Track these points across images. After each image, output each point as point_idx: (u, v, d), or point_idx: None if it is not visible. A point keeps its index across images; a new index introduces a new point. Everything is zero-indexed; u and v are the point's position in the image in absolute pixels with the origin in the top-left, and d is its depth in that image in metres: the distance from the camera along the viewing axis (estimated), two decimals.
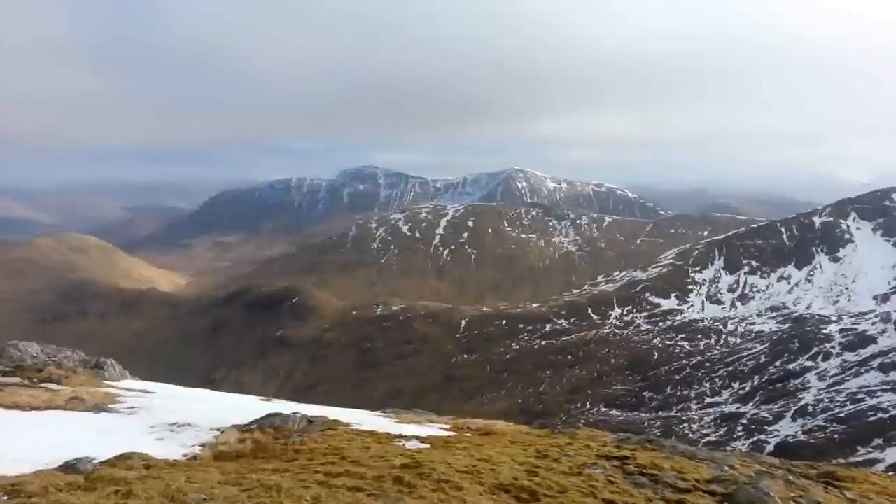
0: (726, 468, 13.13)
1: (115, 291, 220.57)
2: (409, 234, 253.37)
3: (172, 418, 14.97)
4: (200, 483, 8.19)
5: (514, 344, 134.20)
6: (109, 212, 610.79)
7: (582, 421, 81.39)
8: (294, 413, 14.91)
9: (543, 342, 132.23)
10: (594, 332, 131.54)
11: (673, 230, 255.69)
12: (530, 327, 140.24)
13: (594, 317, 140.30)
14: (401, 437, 14.12)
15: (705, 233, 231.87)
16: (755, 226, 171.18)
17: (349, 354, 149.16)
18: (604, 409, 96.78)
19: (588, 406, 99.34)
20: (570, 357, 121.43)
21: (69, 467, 9.54)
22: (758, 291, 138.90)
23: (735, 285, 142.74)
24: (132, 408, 16.97)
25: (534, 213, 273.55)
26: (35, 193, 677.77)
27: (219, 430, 13.49)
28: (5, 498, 7.67)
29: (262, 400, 22.75)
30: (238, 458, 11.34)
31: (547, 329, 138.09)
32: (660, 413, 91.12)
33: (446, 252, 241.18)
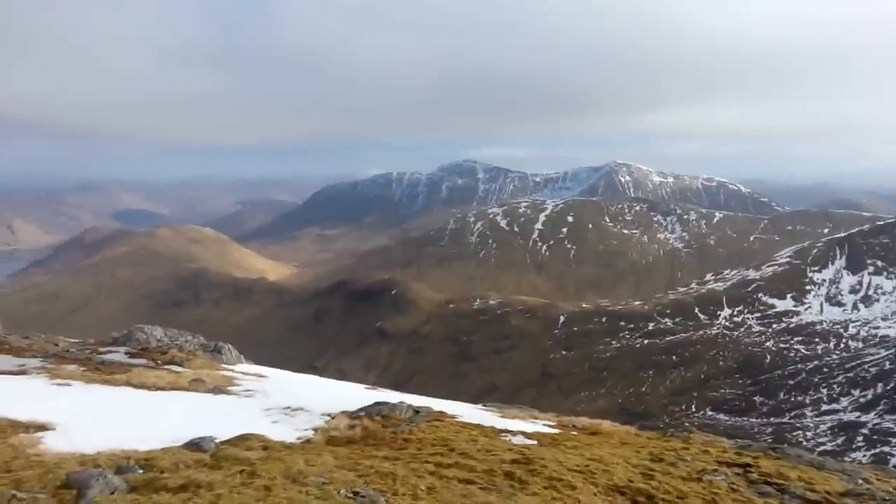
0: (860, 481, 12.11)
1: (228, 280, 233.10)
2: (507, 228, 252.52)
3: (285, 402, 15.48)
4: (318, 466, 8.37)
5: (614, 342, 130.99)
6: (223, 205, 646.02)
7: (686, 424, 78.41)
8: (400, 402, 15.03)
9: (646, 341, 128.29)
10: (701, 332, 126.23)
11: (790, 227, 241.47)
12: (632, 325, 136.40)
13: (701, 317, 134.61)
14: (507, 431, 13.95)
15: (825, 230, 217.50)
16: (881, 223, 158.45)
17: (446, 347, 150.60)
18: (710, 413, 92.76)
19: (693, 409, 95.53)
20: (674, 357, 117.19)
21: (193, 445, 9.99)
22: (883, 293, 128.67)
23: (858, 286, 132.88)
24: (248, 391, 17.71)
25: (637, 208, 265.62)
26: (157, 187, 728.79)
27: (329, 415, 13.81)
28: (140, 472, 8.12)
29: (366, 388, 23.25)
30: (349, 443, 11.54)
31: (650, 328, 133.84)
32: (771, 419, 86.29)
33: (545, 247, 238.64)
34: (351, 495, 7.37)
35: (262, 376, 21.85)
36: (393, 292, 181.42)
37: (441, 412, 15.46)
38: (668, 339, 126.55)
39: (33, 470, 8.27)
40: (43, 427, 12.00)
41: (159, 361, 23.27)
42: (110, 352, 24.89)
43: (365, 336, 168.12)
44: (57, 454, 9.91)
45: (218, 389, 17.91)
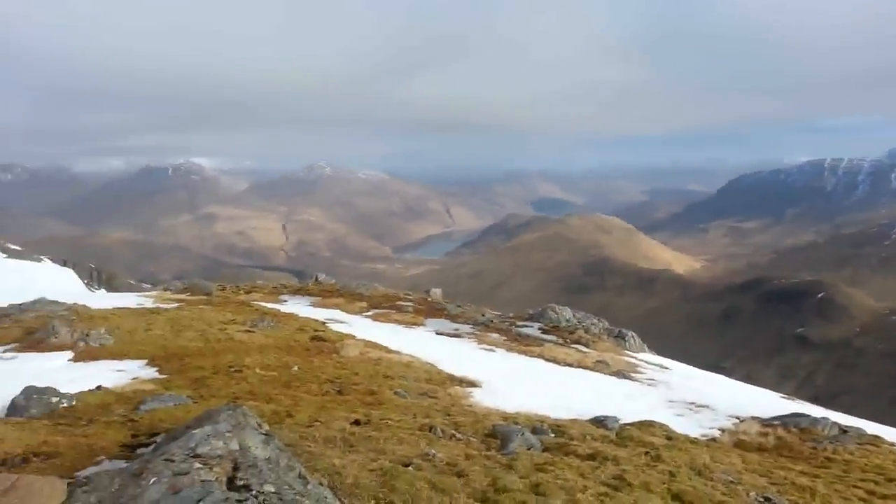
0: None
1: (633, 270, 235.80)
2: None
3: (689, 397, 15.08)
4: (725, 465, 7.99)
5: None
6: (632, 195, 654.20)
7: None
8: (823, 418, 13.30)
9: None
10: None
11: None
12: None
13: None
14: None
15: None
16: None
17: (887, 365, 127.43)
18: None
19: None
20: None
21: (598, 422, 10.46)
22: None
23: None
24: (651, 380, 17.75)
25: None
26: (569, 177, 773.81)
27: (737, 418, 13.02)
28: (552, 435, 8.84)
29: (781, 397, 21.14)
30: (760, 450, 10.70)
31: None
32: None
33: None
34: (761, 500, 6.83)
35: (664, 368, 21.65)
36: (819, 296, 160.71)
37: (876, 436, 13.19)
38: None
39: (466, 417, 9.70)
40: (472, 384, 13.99)
41: (568, 340, 24.97)
42: (526, 326, 27.67)
43: (781, 342, 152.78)
44: (484, 408, 11.44)
45: (621, 374, 18.37)
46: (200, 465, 3.94)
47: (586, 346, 23.87)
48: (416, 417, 9.11)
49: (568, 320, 30.00)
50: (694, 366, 26.34)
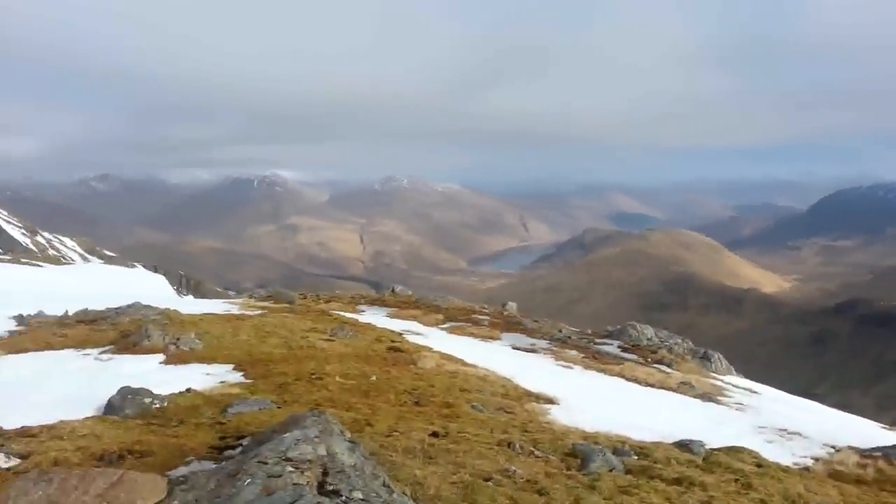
0: None
1: (717, 288, 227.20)
2: None
3: (781, 423, 14.38)
4: (821, 496, 7.55)
5: None
6: (717, 209, 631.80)
7: None
8: None
9: None
10: None
11: None
12: None
13: None
14: None
15: None
16: None
17: None
18: None
19: None
20: None
21: (683, 446, 10.07)
22: None
23: None
24: (739, 404, 17.02)
25: None
26: (649, 191, 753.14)
27: (833, 447, 12.31)
28: (635, 457, 8.58)
29: (883, 427, 19.83)
30: (858, 483, 10.04)
31: None
32: None
33: None
34: None
35: (753, 392, 20.73)
36: None
37: None
38: None
39: (544, 434, 9.55)
40: (550, 400, 13.77)
41: (649, 359, 24.25)
42: (605, 343, 27.07)
43: (880, 368, 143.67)
44: (562, 425, 11.23)
45: (706, 396, 17.70)
46: (292, 469, 4.07)
47: (669, 366, 23.15)
48: (494, 432, 9.03)
49: (649, 339, 29.19)
50: (783, 391, 25.11)
